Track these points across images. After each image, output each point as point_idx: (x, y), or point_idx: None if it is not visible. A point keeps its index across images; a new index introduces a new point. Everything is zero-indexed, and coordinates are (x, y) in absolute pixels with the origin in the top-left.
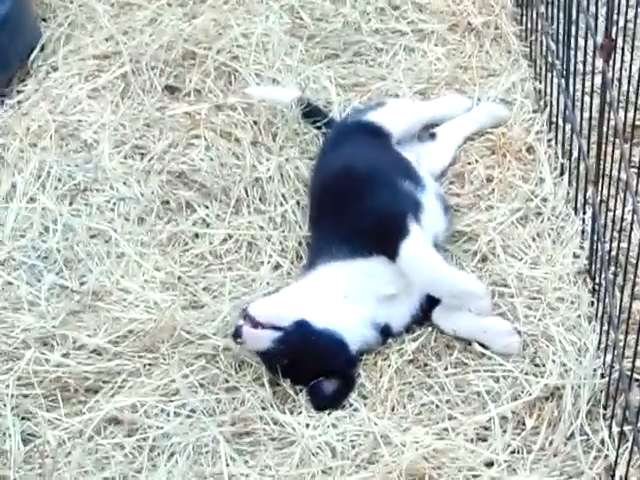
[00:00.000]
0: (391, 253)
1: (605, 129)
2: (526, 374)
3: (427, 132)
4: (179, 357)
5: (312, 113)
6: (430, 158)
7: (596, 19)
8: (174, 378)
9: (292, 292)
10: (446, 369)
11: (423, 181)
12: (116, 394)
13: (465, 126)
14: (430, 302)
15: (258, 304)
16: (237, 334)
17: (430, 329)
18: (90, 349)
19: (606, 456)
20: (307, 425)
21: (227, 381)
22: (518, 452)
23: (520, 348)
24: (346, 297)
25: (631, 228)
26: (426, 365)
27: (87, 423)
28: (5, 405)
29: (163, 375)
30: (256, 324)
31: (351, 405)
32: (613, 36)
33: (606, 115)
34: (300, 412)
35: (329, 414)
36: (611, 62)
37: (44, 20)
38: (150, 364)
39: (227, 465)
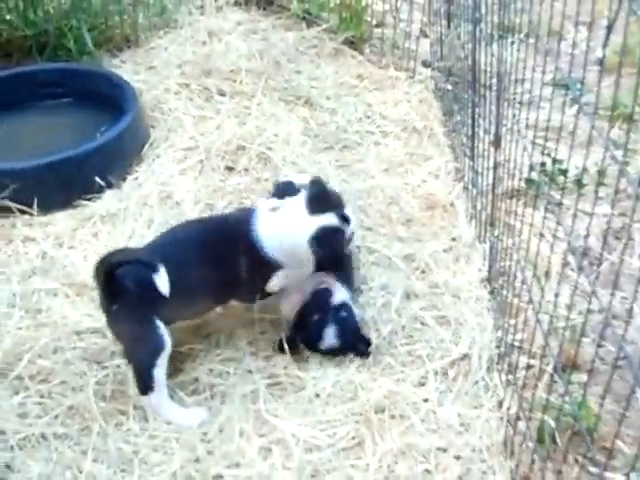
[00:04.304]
0: None
1: (498, 192)
2: (450, 343)
3: None
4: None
5: None
6: None
7: (490, 124)
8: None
9: None
10: (401, 342)
11: None
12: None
13: None
14: None
15: None
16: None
17: (398, 317)
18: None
19: (498, 394)
20: (313, 377)
21: (265, 350)
22: (444, 392)
23: None
24: None
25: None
26: (390, 342)
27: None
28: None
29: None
30: None
31: (346, 365)
32: (500, 134)
33: (497, 183)
34: (308, 369)
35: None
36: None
37: (152, 126)
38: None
39: (264, 403)
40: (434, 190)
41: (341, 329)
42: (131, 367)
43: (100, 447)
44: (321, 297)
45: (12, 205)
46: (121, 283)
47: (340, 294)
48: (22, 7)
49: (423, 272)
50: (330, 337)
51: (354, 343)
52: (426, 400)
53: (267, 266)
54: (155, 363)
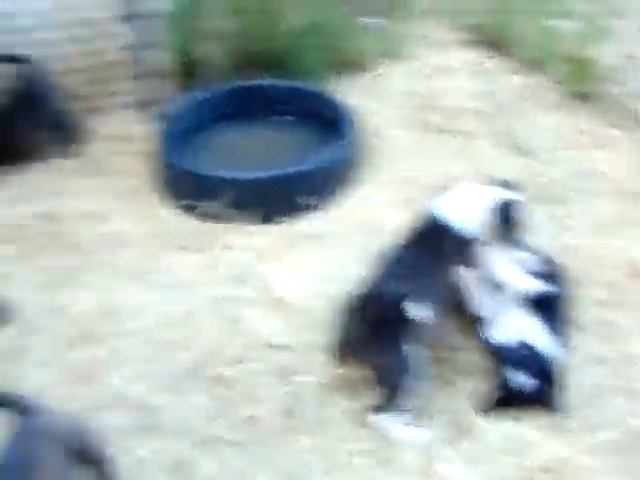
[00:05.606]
0: None
1: None
2: (627, 414)
3: None
4: None
5: None
6: None
7: None
8: None
9: None
10: (580, 406)
11: None
12: None
13: None
14: None
15: None
16: None
17: (581, 381)
18: None
19: None
20: (487, 426)
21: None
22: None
23: None
24: None
25: None
26: (570, 404)
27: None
28: None
29: None
30: None
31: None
32: None
33: None
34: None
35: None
36: None
37: (369, 153)
38: None
39: (436, 446)
40: None
41: (523, 366)
42: (386, 387)
43: (269, 460)
44: (489, 345)
45: (225, 212)
46: (392, 315)
47: (502, 333)
48: (262, 24)
49: (617, 339)
50: (512, 374)
51: (547, 381)
52: (592, 469)
53: (466, 241)
54: (406, 386)
